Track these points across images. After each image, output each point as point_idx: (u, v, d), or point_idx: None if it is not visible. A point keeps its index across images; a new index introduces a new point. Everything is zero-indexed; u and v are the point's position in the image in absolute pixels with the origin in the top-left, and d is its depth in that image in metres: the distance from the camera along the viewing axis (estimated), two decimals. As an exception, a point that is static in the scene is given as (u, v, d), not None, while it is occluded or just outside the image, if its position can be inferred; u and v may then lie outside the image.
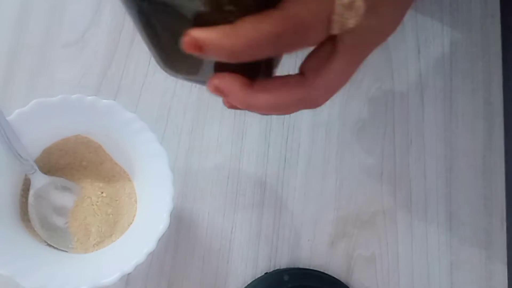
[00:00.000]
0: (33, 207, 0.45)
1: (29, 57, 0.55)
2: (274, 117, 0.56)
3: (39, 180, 0.45)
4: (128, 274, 0.42)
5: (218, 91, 0.30)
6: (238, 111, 0.42)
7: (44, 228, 0.45)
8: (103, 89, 0.54)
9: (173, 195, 0.43)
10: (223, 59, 0.27)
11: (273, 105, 0.31)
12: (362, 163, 0.56)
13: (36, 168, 0.45)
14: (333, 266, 0.53)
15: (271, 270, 0.52)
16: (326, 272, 0.52)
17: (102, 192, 0.47)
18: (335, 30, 0.28)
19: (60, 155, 0.47)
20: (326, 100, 0.32)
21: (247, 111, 0.33)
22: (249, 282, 0.51)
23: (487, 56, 0.60)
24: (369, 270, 0.53)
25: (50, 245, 0.45)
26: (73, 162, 0.48)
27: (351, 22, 0.28)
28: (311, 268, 0.52)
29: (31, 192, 0.45)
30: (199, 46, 0.27)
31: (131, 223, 0.46)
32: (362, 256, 0.53)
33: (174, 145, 0.53)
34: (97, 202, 0.47)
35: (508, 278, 0.54)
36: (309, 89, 0.30)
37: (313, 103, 0.31)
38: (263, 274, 0.51)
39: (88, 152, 0.48)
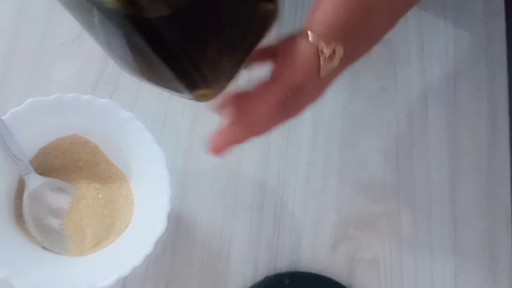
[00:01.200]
0: (27, 208, 0.44)
1: (26, 56, 0.54)
2: (274, 116, 0.56)
3: (34, 181, 0.45)
4: (125, 277, 0.41)
5: (217, 151, 0.38)
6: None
7: (39, 230, 0.44)
8: (99, 88, 0.54)
9: (171, 197, 0.43)
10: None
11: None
12: (364, 163, 0.55)
13: (31, 168, 0.45)
14: (334, 269, 0.52)
15: (272, 273, 0.51)
16: (327, 275, 0.51)
17: (98, 194, 0.47)
18: (323, 75, 0.33)
19: (56, 155, 0.47)
20: (296, 111, 0.37)
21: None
22: (248, 286, 0.50)
23: (490, 54, 0.60)
24: (371, 273, 0.52)
25: (45, 248, 0.44)
26: (69, 162, 0.47)
27: (335, 64, 0.33)
28: (312, 271, 0.51)
29: (26, 193, 0.45)
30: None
31: (127, 225, 0.45)
32: (364, 259, 0.53)
33: (172, 145, 0.53)
34: (93, 203, 0.46)
35: (514, 281, 0.54)
36: (279, 90, 0.34)
37: (286, 107, 0.35)
38: (263, 277, 0.51)
39: (84, 152, 0.47)
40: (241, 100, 0.36)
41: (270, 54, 0.36)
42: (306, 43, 0.32)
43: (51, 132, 0.46)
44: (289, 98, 0.33)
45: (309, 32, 0.32)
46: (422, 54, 0.59)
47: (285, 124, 0.55)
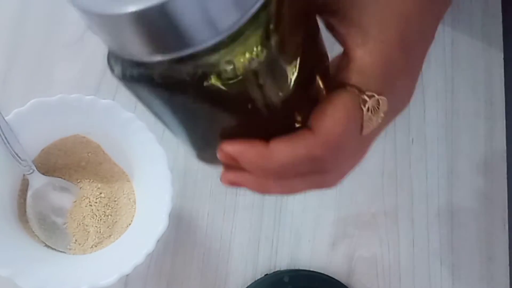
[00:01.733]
0: (31, 207, 0.45)
1: (28, 57, 0.54)
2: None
3: (37, 181, 0.45)
4: (127, 275, 0.41)
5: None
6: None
7: (42, 228, 0.45)
8: (102, 88, 0.54)
9: (172, 196, 0.43)
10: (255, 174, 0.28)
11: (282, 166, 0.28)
12: (362, 163, 0.55)
13: (34, 168, 0.45)
14: (333, 267, 0.53)
15: (271, 271, 0.51)
16: (326, 273, 0.52)
17: (100, 193, 0.47)
18: (366, 132, 0.28)
19: (58, 155, 0.47)
20: (338, 176, 0.31)
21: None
22: (249, 283, 0.50)
23: (488, 55, 0.60)
24: (370, 271, 0.53)
25: (48, 246, 0.45)
26: (71, 162, 0.48)
27: (378, 120, 0.28)
28: (311, 269, 0.52)
29: (29, 193, 0.45)
30: (233, 159, 0.27)
31: (129, 223, 0.46)
32: (363, 257, 0.53)
33: (173, 145, 0.53)
34: (96, 202, 0.47)
35: (510, 279, 0.54)
36: (315, 143, 0.28)
37: (322, 170, 0.29)
38: (263, 275, 0.51)
39: (86, 152, 0.48)
40: (263, 146, 0.27)
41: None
42: (345, 94, 0.27)
43: (54, 132, 0.46)
44: (326, 156, 0.27)
45: (349, 84, 0.27)
46: (420, 55, 0.59)
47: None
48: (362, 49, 0.27)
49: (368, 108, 0.27)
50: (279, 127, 0.27)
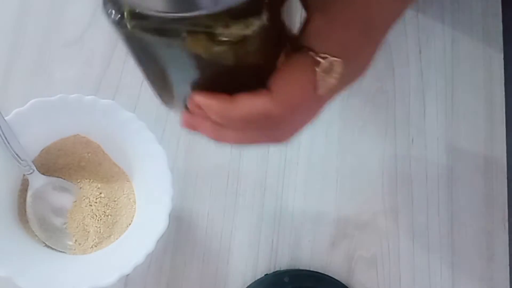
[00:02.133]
0: (31, 207, 0.45)
1: (28, 57, 0.54)
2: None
3: (37, 181, 0.45)
4: (127, 275, 0.42)
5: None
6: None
7: (42, 228, 0.45)
8: (102, 88, 0.54)
9: (172, 196, 0.43)
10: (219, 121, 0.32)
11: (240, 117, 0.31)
12: (362, 163, 0.56)
13: (34, 168, 0.45)
14: (333, 267, 0.53)
15: (271, 271, 0.51)
16: (326, 273, 0.52)
17: (100, 193, 0.47)
18: (321, 92, 0.31)
19: (58, 155, 0.47)
20: (290, 132, 0.34)
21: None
22: (249, 283, 0.51)
23: (488, 55, 0.60)
24: (370, 271, 0.53)
25: (48, 246, 0.45)
26: (71, 162, 0.48)
27: (333, 81, 0.30)
28: (311, 269, 0.52)
29: (29, 193, 0.45)
30: (200, 107, 0.31)
31: (129, 224, 0.46)
32: (363, 257, 0.53)
33: (173, 145, 0.53)
34: (96, 202, 0.47)
35: (510, 279, 0.54)
36: (272, 102, 0.31)
37: (275, 126, 0.32)
38: (263, 275, 0.51)
39: (86, 152, 0.48)
40: (228, 99, 0.31)
41: None
42: (302, 56, 0.30)
43: (54, 132, 0.46)
44: (281, 113, 0.30)
45: (304, 47, 0.30)
46: (420, 56, 0.59)
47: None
48: (320, 13, 0.30)
49: (322, 69, 0.30)
50: (246, 86, 0.30)
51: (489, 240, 0.54)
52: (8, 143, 0.43)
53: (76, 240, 0.45)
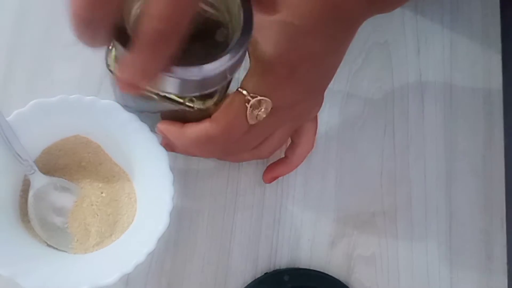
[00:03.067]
0: (32, 207, 0.45)
1: (29, 57, 0.54)
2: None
3: (39, 181, 0.45)
4: (128, 274, 0.42)
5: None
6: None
7: (43, 228, 0.45)
8: (103, 89, 0.54)
9: (173, 195, 0.43)
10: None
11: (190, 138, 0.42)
12: (362, 163, 0.56)
13: (36, 168, 0.45)
14: (333, 266, 0.53)
15: (271, 270, 0.52)
16: (326, 272, 0.52)
17: (101, 192, 0.47)
18: (251, 122, 0.40)
19: (59, 155, 0.47)
20: (244, 148, 0.46)
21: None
22: (249, 282, 0.51)
23: (487, 56, 0.60)
24: (369, 270, 0.53)
25: (50, 246, 0.45)
26: (72, 162, 0.48)
27: (262, 114, 0.40)
28: (311, 268, 0.52)
29: (31, 193, 0.45)
30: (163, 134, 0.44)
31: (130, 223, 0.46)
32: (362, 256, 0.53)
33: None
34: (97, 202, 0.47)
35: (508, 278, 0.54)
36: (211, 126, 0.41)
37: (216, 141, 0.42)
38: (263, 274, 0.51)
39: (87, 153, 0.48)
40: (180, 126, 0.43)
41: None
42: (237, 95, 0.40)
43: (55, 132, 0.47)
44: (218, 135, 0.41)
45: (240, 89, 0.40)
46: (418, 56, 0.60)
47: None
48: (255, 61, 0.39)
49: (251, 105, 0.39)
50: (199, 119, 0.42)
51: (487, 240, 0.55)
52: (10, 143, 0.43)
53: (77, 240, 0.46)
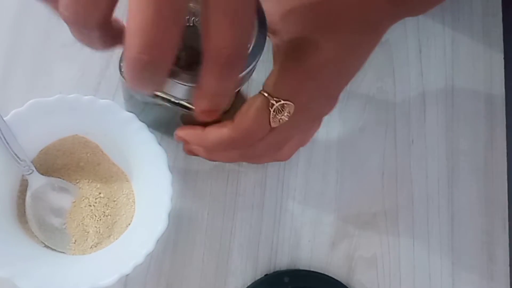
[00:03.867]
0: (30, 208, 0.45)
1: (27, 57, 0.54)
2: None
3: (37, 181, 0.45)
4: (127, 275, 0.41)
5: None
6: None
7: (41, 229, 0.45)
8: (101, 88, 0.54)
9: (172, 196, 0.43)
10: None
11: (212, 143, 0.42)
12: (362, 163, 0.56)
13: (34, 168, 0.45)
14: (333, 268, 0.53)
15: (271, 271, 0.51)
16: (326, 273, 0.52)
17: (99, 193, 0.47)
18: (273, 125, 0.40)
19: (57, 155, 0.47)
20: (266, 151, 0.44)
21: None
22: (248, 284, 0.50)
23: (488, 55, 0.60)
24: (370, 271, 0.53)
25: (47, 247, 0.45)
26: (70, 162, 0.47)
27: (285, 118, 0.40)
28: (311, 269, 0.52)
29: (29, 193, 0.45)
30: (184, 140, 0.44)
31: (129, 224, 0.45)
32: (363, 257, 0.53)
33: (173, 144, 0.53)
34: (95, 203, 0.46)
35: (510, 279, 0.54)
36: (233, 129, 0.40)
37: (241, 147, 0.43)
38: (263, 275, 0.51)
39: (85, 153, 0.47)
40: (201, 130, 0.43)
41: None
42: (260, 97, 0.39)
43: (53, 132, 0.46)
44: (241, 138, 0.40)
45: (263, 92, 0.39)
46: (420, 56, 0.59)
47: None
48: (279, 65, 0.40)
49: (274, 109, 0.39)
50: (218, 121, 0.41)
51: (489, 241, 0.54)
52: (8, 143, 0.43)
53: (75, 241, 0.45)
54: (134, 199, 0.46)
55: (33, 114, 0.44)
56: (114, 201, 0.47)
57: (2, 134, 0.43)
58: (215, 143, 0.41)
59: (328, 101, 0.44)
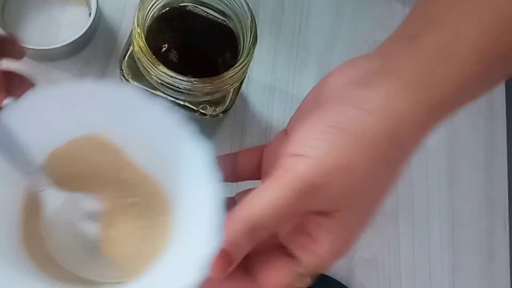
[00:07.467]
0: (48, 231, 0.36)
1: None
2: (275, 116, 0.54)
3: (54, 199, 0.35)
4: None
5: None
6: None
7: (65, 254, 0.36)
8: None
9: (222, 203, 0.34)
10: None
11: None
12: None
13: (47, 181, 0.35)
14: (334, 268, 0.52)
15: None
16: (327, 274, 0.51)
17: (129, 207, 0.38)
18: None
19: (66, 163, 0.37)
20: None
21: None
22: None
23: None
24: (370, 272, 0.53)
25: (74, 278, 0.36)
26: (86, 170, 0.38)
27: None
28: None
29: (45, 214, 0.36)
30: None
31: (167, 240, 0.37)
32: (363, 257, 0.53)
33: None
34: (124, 220, 0.38)
35: (511, 279, 0.56)
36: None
37: None
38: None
39: (106, 157, 0.38)
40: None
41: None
42: None
43: (60, 133, 0.37)
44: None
45: None
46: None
47: (285, 124, 0.53)
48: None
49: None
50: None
51: (489, 241, 0.56)
52: (7, 151, 0.33)
53: (117, 267, 0.37)
54: (169, 217, 0.38)
55: (32, 110, 0.35)
56: (148, 215, 0.38)
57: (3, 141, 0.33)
58: None
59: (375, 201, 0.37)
